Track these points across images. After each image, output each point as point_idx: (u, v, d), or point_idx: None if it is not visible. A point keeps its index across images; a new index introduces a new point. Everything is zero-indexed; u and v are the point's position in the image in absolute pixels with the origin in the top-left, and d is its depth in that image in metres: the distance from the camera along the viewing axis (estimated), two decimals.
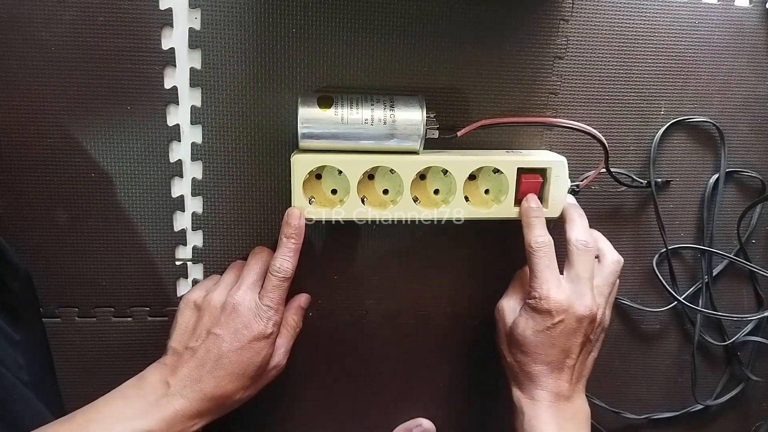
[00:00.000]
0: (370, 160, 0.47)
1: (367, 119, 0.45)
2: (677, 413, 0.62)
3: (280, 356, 0.48)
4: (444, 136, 0.48)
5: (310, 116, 0.45)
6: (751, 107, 0.55)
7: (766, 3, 0.53)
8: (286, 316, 0.49)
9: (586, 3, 0.51)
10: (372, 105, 0.45)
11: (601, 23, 0.52)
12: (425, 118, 0.46)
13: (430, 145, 0.47)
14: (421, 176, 0.50)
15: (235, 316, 0.45)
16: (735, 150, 0.56)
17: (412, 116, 0.46)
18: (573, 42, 0.52)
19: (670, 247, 0.57)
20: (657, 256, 0.57)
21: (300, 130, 0.45)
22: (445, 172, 0.49)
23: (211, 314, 0.45)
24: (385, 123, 0.45)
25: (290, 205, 0.47)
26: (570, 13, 0.51)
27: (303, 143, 0.46)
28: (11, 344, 0.45)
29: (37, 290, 0.50)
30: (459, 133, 0.48)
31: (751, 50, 0.54)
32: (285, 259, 0.46)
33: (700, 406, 0.61)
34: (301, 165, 0.46)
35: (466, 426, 0.60)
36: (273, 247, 0.48)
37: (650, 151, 0.55)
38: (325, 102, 0.45)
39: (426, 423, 0.58)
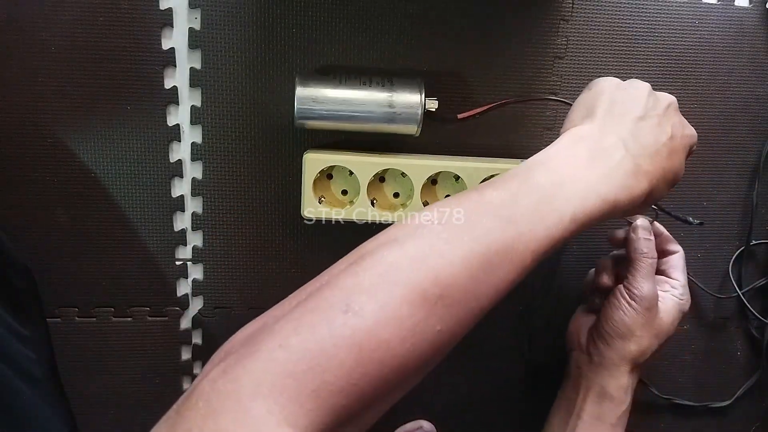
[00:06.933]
0: (382, 162, 0.47)
1: (365, 100, 0.45)
2: (698, 404, 0.61)
3: None
4: (445, 115, 0.48)
5: (306, 95, 0.45)
6: (751, 107, 0.55)
7: (766, 3, 0.53)
8: None
9: (586, 3, 0.51)
10: (370, 86, 0.45)
11: (601, 23, 0.52)
12: (424, 101, 0.46)
13: (434, 140, 0.47)
14: (433, 181, 0.50)
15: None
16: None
17: (410, 98, 0.46)
18: (573, 42, 0.52)
19: None
20: None
21: (297, 108, 0.45)
22: (457, 177, 0.49)
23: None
24: (383, 104, 0.45)
25: (291, 205, 0.47)
26: (570, 13, 0.51)
27: (299, 122, 0.45)
28: (20, 340, 0.45)
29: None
30: (459, 116, 0.48)
31: (751, 50, 0.54)
32: None
33: (724, 403, 0.61)
34: (312, 164, 0.46)
35: (467, 427, 0.60)
36: (275, 252, 0.47)
37: None
38: (323, 81, 0.45)
39: (427, 425, 0.57)
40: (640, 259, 0.48)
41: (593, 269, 0.54)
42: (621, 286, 0.48)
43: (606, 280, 0.51)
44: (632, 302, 0.47)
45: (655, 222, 0.52)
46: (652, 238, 0.49)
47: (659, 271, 0.52)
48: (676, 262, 0.51)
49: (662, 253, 0.52)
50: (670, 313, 0.49)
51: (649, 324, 0.47)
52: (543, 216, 0.35)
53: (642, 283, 0.47)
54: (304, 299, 0.33)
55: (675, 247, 0.52)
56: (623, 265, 0.51)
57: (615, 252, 0.54)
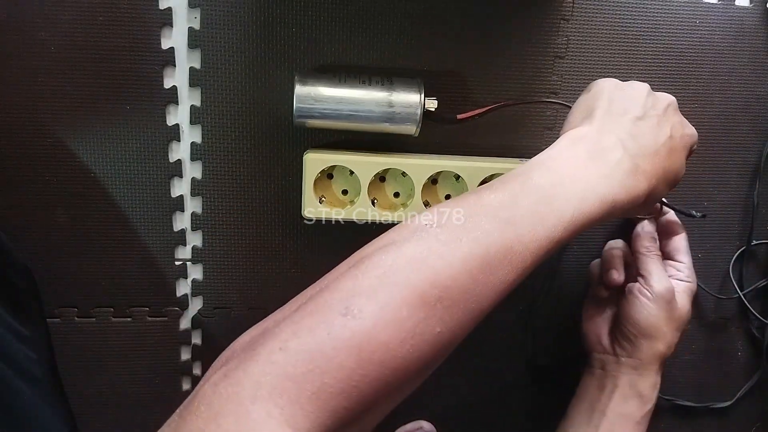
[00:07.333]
0: (382, 161, 0.47)
1: (364, 99, 0.45)
2: (699, 405, 0.62)
3: None
4: (444, 115, 0.48)
5: (306, 93, 0.45)
6: (751, 107, 0.55)
7: (766, 3, 0.53)
8: None
9: (586, 3, 0.51)
10: (370, 85, 0.45)
11: (601, 23, 0.52)
12: (423, 101, 0.46)
13: (434, 140, 0.47)
14: (433, 181, 0.50)
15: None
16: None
17: (410, 98, 0.45)
18: (573, 42, 0.52)
19: None
20: None
21: (296, 106, 0.45)
22: (458, 177, 0.49)
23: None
24: (382, 103, 0.45)
25: (291, 205, 0.47)
26: (570, 13, 0.51)
27: (298, 121, 0.45)
28: (21, 340, 0.45)
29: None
30: (459, 116, 0.48)
31: (751, 50, 0.54)
32: None
33: (725, 404, 0.61)
34: (313, 164, 0.46)
35: (468, 428, 0.60)
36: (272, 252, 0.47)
37: None
38: (322, 80, 0.45)
39: (427, 425, 0.58)
40: (650, 256, 0.49)
41: (597, 260, 0.54)
42: (638, 286, 0.49)
43: (617, 276, 0.51)
44: (653, 300, 0.48)
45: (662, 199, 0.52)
46: (656, 236, 0.51)
47: (664, 255, 0.52)
48: (679, 243, 0.52)
49: (666, 233, 0.52)
50: (684, 300, 0.50)
51: (671, 317, 0.48)
52: (542, 217, 0.35)
53: (658, 279, 0.48)
54: (304, 302, 0.33)
55: (678, 228, 0.52)
56: (629, 260, 0.51)
57: (612, 242, 0.54)
